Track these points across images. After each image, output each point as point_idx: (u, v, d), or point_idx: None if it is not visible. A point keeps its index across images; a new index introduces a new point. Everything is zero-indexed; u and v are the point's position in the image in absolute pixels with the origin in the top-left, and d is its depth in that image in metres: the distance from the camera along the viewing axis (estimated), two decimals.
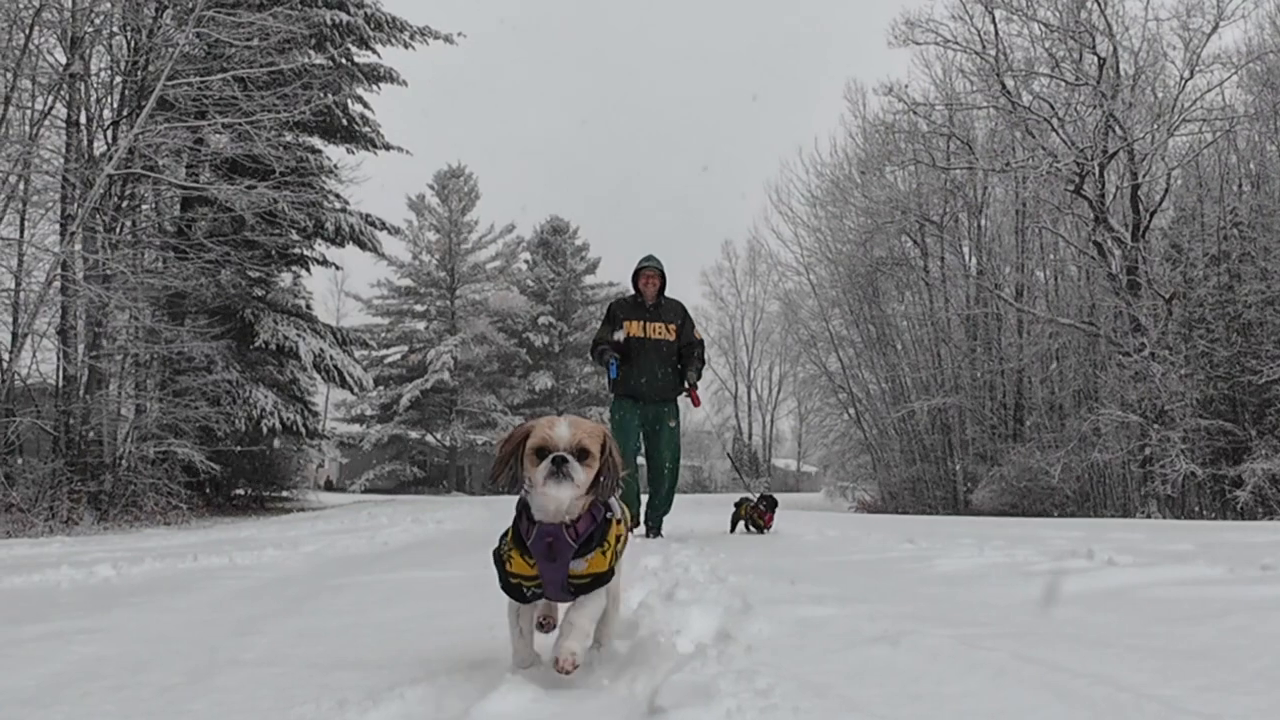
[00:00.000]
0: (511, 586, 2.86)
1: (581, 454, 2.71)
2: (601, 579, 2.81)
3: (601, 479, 2.78)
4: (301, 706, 2.52)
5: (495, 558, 2.90)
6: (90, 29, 16.56)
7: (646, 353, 10.35)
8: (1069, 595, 4.48)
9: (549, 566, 2.76)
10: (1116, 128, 25.30)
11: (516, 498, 2.87)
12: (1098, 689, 2.47)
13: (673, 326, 10.53)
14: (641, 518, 10.56)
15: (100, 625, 4.13)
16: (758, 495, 11.60)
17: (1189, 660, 2.89)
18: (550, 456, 2.68)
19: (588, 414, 59.06)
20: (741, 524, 11.57)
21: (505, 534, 2.89)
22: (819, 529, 11.55)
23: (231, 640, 3.73)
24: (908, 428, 34.34)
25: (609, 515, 2.85)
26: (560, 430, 2.72)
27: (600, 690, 2.69)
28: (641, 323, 10.43)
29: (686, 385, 10.58)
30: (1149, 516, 22.15)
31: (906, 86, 29.90)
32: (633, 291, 10.75)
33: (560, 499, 2.71)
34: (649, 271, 10.57)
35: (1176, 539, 8.67)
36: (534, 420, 2.84)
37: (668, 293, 10.71)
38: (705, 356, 10.97)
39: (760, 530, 11.26)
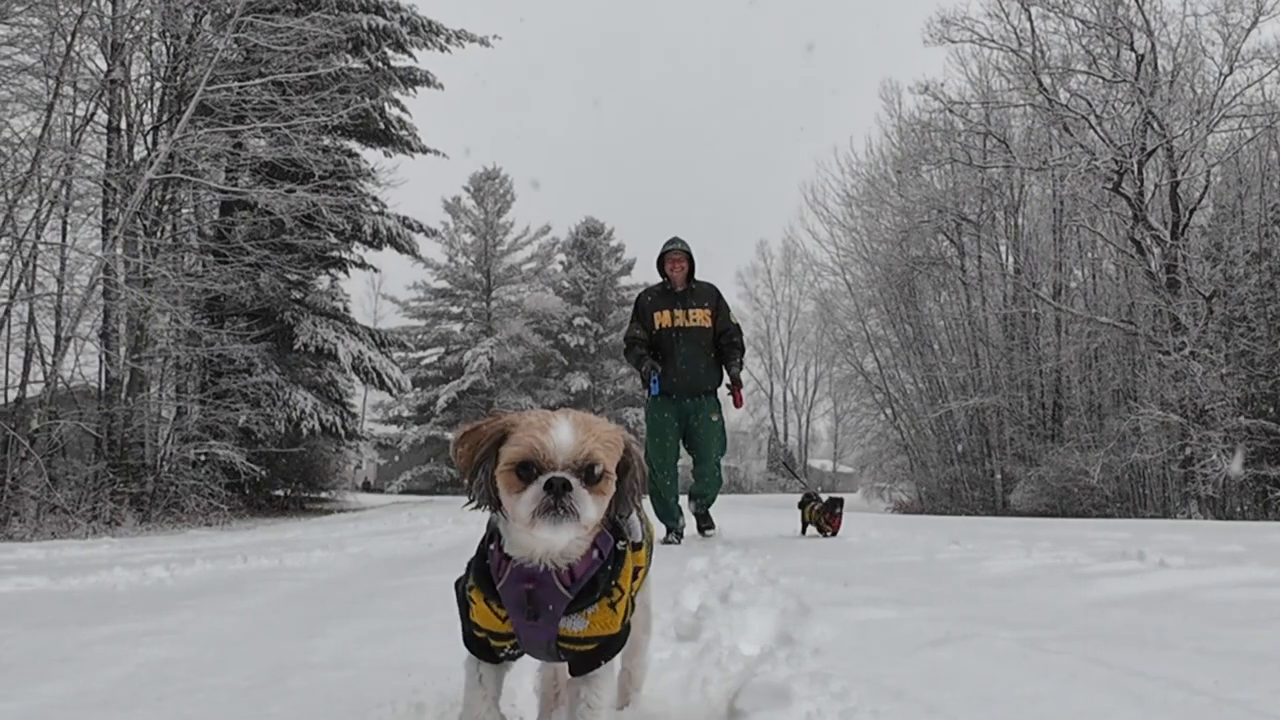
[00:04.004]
0: (477, 642, 2.01)
1: (591, 473, 1.81)
2: (611, 645, 1.98)
3: (620, 497, 1.92)
4: (379, 709, 2.54)
5: (458, 592, 2.10)
6: (130, 36, 16.74)
7: (681, 343, 9.57)
8: (1125, 597, 4.46)
9: (528, 625, 1.92)
10: (1155, 124, 25.05)
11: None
12: (1173, 692, 2.47)
13: (707, 311, 9.68)
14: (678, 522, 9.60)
15: (163, 627, 4.18)
16: (825, 497, 10.51)
17: (1257, 663, 2.88)
18: (544, 479, 1.77)
19: (623, 416, 59.04)
20: (811, 528, 10.49)
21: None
22: (861, 530, 11.45)
23: (297, 642, 3.76)
24: (945, 428, 34.16)
25: (621, 545, 1.99)
26: (560, 435, 1.80)
27: (677, 693, 2.69)
28: (671, 311, 9.64)
29: (728, 383, 9.81)
30: (1189, 517, 21.94)
31: (942, 85, 29.84)
32: (660, 279, 9.92)
33: (554, 543, 1.87)
34: (675, 254, 9.73)
35: (1225, 540, 8.58)
36: (513, 415, 1.89)
37: (698, 275, 9.84)
38: (744, 345, 10.09)
39: (829, 534, 10.16)
